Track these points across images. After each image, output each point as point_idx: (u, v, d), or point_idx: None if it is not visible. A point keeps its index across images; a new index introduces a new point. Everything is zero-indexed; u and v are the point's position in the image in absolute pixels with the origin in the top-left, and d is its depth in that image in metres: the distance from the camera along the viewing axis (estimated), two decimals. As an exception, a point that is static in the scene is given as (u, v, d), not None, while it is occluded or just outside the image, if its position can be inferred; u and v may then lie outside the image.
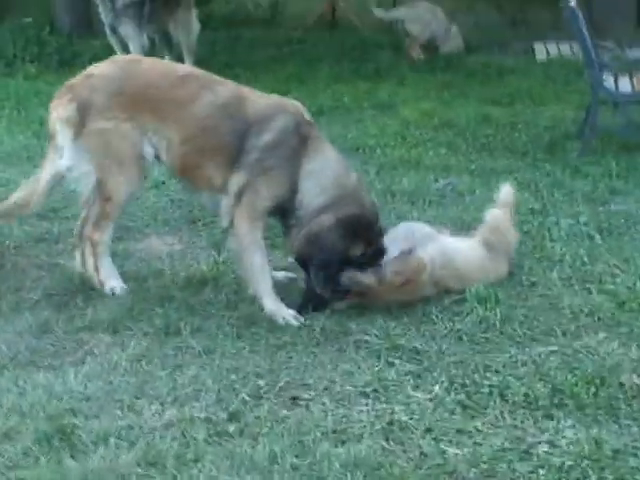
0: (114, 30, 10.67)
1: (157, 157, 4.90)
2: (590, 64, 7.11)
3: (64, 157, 4.87)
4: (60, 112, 4.85)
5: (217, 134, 4.74)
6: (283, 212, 4.76)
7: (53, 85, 10.32)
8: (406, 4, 12.65)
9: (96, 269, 4.98)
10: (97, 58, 9.80)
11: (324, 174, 4.71)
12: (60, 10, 13.59)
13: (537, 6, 14.58)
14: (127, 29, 10.56)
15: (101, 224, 4.95)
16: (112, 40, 10.79)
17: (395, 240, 4.79)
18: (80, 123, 4.79)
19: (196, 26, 11.03)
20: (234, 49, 12.25)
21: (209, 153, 4.76)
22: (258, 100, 4.84)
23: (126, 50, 10.36)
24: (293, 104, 4.87)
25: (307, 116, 4.85)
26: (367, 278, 4.56)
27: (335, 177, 4.72)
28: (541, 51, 12.01)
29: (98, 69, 5.00)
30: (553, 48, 12.11)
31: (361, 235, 4.61)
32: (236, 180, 4.70)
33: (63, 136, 4.84)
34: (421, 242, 4.77)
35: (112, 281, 4.96)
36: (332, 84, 10.37)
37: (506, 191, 5.29)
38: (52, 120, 4.90)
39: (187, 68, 5.18)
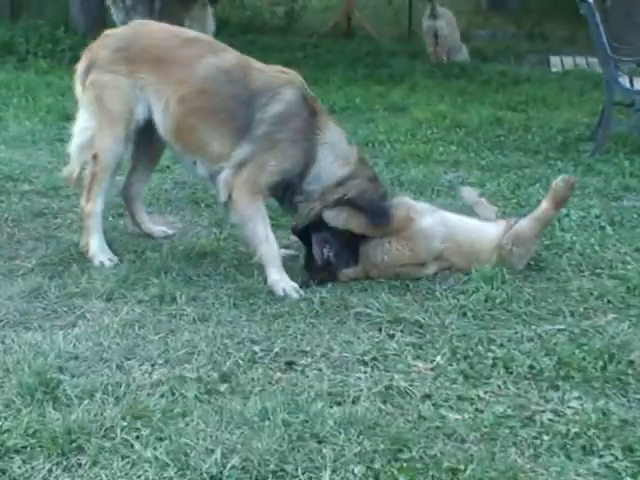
0: None
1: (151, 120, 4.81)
2: (605, 61, 7.00)
3: (79, 112, 4.93)
4: (77, 71, 4.96)
5: (217, 97, 4.63)
6: (286, 189, 4.63)
7: (64, 79, 10.40)
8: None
9: (86, 242, 4.90)
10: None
11: (340, 146, 4.64)
12: (75, 11, 13.56)
13: (554, 21, 14.54)
14: None
15: (92, 191, 4.87)
16: None
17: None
18: (85, 77, 4.85)
19: (212, 24, 10.96)
20: (249, 53, 12.04)
21: (206, 116, 4.63)
22: (264, 70, 4.73)
23: None
24: (297, 76, 4.75)
25: (309, 90, 4.75)
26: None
27: (347, 149, 4.68)
28: (556, 64, 11.94)
29: (114, 30, 5.10)
30: (569, 61, 12.03)
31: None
32: (238, 152, 4.57)
33: (77, 92, 4.94)
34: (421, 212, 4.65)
35: (101, 255, 4.85)
36: (345, 87, 10.27)
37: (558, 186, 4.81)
38: (73, 80, 5.02)
39: (196, 33, 5.09)
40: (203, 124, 4.64)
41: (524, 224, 4.70)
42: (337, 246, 4.49)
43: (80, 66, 4.94)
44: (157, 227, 5.32)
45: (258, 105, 4.57)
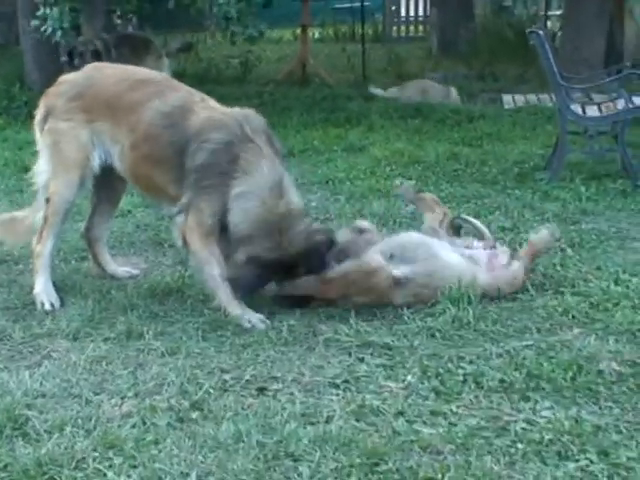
0: None
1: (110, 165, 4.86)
2: (557, 89, 7.12)
3: (38, 162, 4.98)
4: (36, 118, 5.00)
5: (158, 144, 4.62)
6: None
7: (20, 134, 10.38)
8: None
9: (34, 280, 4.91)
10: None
11: (250, 199, 4.46)
12: (30, 67, 13.55)
13: (503, 62, 14.82)
14: None
15: (43, 233, 4.91)
16: None
17: (389, 245, 4.68)
18: (44, 123, 4.89)
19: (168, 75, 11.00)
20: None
21: (153, 164, 4.66)
22: (203, 112, 4.62)
23: None
24: (234, 117, 4.58)
25: (248, 128, 4.53)
26: (306, 283, 4.50)
27: (261, 203, 4.46)
28: (509, 101, 12.10)
29: (69, 76, 5.11)
30: (520, 98, 12.22)
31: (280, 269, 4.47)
32: (183, 198, 4.57)
33: (37, 138, 4.99)
34: (414, 258, 4.60)
35: (44, 296, 4.81)
36: (303, 130, 10.33)
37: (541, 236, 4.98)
38: (33, 127, 5.07)
39: (148, 72, 5.12)
40: (152, 171, 4.69)
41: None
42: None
43: (38, 114, 4.99)
44: (121, 268, 5.30)
45: (189, 152, 4.53)
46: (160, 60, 10.99)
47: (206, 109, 4.66)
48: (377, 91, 12.59)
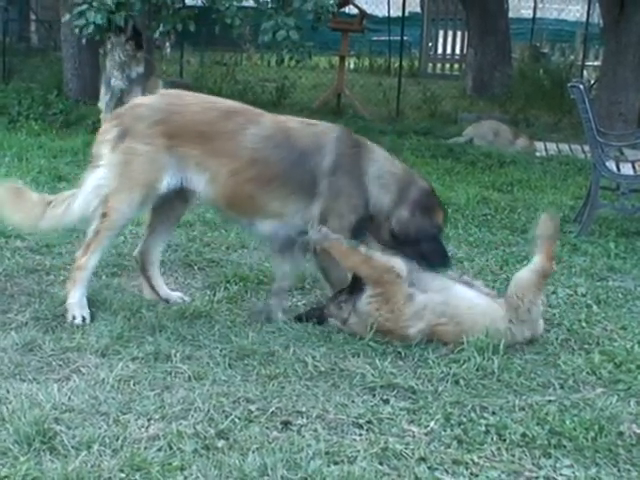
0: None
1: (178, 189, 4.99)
2: (593, 144, 7.18)
3: (99, 170, 4.95)
4: (105, 136, 5.00)
5: (268, 164, 4.87)
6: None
7: (55, 141, 10.52)
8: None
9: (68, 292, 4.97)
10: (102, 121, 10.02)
11: (383, 176, 4.97)
12: (69, 76, 13.75)
13: (538, 108, 14.90)
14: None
15: (91, 246, 4.94)
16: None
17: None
18: (118, 142, 4.90)
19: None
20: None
21: (262, 184, 4.88)
22: (301, 128, 4.99)
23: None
24: (331, 126, 5.10)
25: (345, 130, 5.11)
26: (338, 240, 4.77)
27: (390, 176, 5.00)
28: (540, 149, 12.18)
29: (146, 100, 5.21)
30: (552, 147, 12.30)
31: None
32: (312, 209, 4.89)
33: (104, 156, 4.94)
34: (429, 287, 4.72)
35: (77, 309, 4.88)
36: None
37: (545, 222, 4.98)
38: (98, 143, 5.03)
39: (230, 103, 5.24)
40: (257, 191, 4.89)
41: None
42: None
43: (112, 132, 4.96)
44: (174, 293, 5.35)
45: (314, 162, 4.86)
46: (156, 82, 11.12)
47: (302, 124, 5.03)
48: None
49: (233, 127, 4.90)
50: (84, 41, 11.29)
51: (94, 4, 10.05)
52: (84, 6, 10.09)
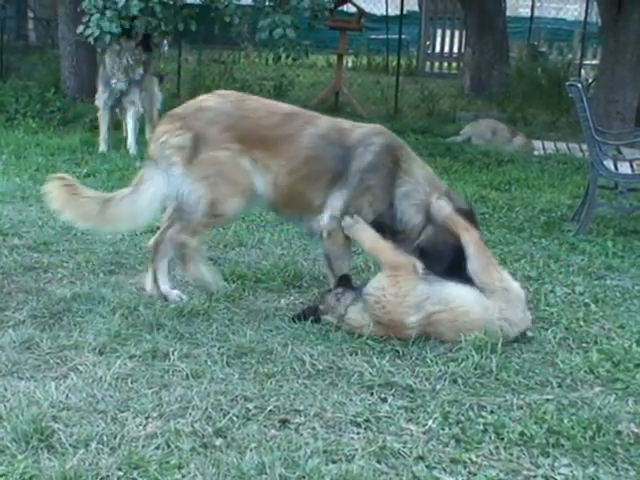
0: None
1: None
2: (591, 143, 7.18)
3: (170, 182, 5.04)
4: (172, 140, 5.04)
5: (320, 162, 5.05)
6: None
7: (52, 139, 10.50)
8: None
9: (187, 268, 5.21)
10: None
11: (417, 192, 5.07)
12: (66, 74, 13.71)
13: (535, 107, 14.89)
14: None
15: (198, 232, 5.17)
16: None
17: None
18: (193, 151, 4.99)
19: (159, 95, 11.20)
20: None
21: (312, 180, 5.06)
22: (353, 128, 5.17)
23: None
24: (382, 128, 5.27)
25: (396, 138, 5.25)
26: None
27: (423, 195, 5.08)
28: (538, 147, 12.18)
29: (209, 102, 5.19)
30: (550, 145, 12.30)
31: None
32: (333, 198, 5.07)
33: (172, 162, 5.01)
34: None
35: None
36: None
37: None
38: (159, 144, 5.07)
39: (287, 106, 5.38)
40: (309, 187, 5.08)
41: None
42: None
43: (177, 137, 5.03)
44: (174, 291, 5.30)
45: (355, 156, 5.02)
46: (151, 80, 11.11)
47: (355, 125, 5.24)
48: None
49: (292, 131, 5.09)
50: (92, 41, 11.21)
51: (107, 13, 10.00)
52: (97, 16, 10.02)
